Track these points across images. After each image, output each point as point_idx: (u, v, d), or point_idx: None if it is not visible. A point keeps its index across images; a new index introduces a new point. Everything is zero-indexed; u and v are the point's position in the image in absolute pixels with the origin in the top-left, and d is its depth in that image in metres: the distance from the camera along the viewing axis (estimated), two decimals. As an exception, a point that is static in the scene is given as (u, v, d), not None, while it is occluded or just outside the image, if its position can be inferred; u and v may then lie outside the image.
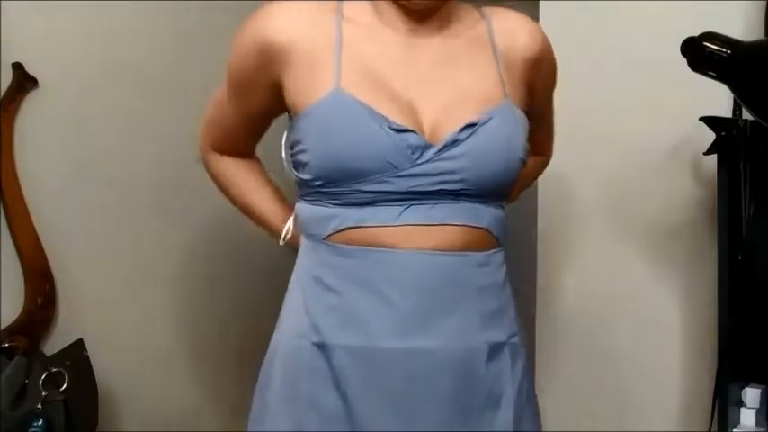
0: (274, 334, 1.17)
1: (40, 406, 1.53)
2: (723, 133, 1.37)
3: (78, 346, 1.66)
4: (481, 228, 1.11)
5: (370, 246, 1.07)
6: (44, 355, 1.63)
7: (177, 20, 1.98)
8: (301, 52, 1.10)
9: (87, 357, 1.66)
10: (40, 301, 1.68)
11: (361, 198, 1.07)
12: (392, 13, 1.13)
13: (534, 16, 1.84)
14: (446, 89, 1.12)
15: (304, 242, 1.15)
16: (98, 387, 1.67)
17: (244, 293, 2.15)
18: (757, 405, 1.40)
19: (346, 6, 1.14)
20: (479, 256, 1.11)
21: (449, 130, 1.08)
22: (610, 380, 1.72)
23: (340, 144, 1.06)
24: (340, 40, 1.10)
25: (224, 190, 1.33)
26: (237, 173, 1.30)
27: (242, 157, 1.30)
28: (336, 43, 1.10)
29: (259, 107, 1.19)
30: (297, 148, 1.09)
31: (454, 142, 1.07)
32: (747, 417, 1.40)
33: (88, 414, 1.64)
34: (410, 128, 1.06)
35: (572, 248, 1.78)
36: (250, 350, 2.16)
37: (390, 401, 1.07)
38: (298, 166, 1.11)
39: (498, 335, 1.13)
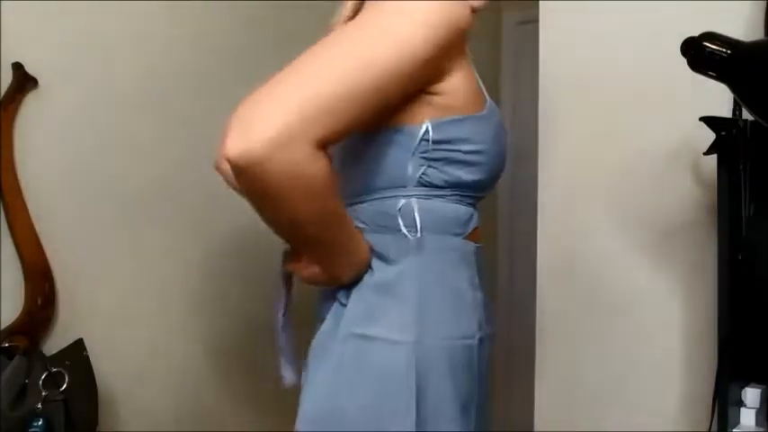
0: (411, 344, 1.07)
1: (40, 406, 1.53)
2: (723, 133, 1.37)
3: (78, 346, 1.66)
4: None
5: (479, 242, 1.19)
6: (44, 355, 1.63)
7: (179, 20, 1.98)
8: (467, 51, 1.15)
9: (87, 357, 1.66)
10: (40, 301, 1.68)
11: (482, 200, 1.20)
12: None
13: (534, 16, 1.84)
14: None
15: (432, 241, 1.12)
16: (98, 387, 1.67)
17: (245, 292, 2.15)
18: (757, 405, 1.40)
19: None
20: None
21: None
22: (609, 380, 1.72)
23: (504, 150, 1.19)
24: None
25: (328, 198, 1.02)
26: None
27: None
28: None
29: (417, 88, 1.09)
30: (465, 148, 1.11)
31: None
32: (747, 417, 1.40)
33: (88, 414, 1.64)
34: None
35: (571, 248, 1.78)
36: (251, 349, 2.17)
37: (482, 382, 1.18)
38: (455, 163, 1.11)
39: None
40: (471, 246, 1.16)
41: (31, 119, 1.69)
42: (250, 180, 0.95)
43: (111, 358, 1.77)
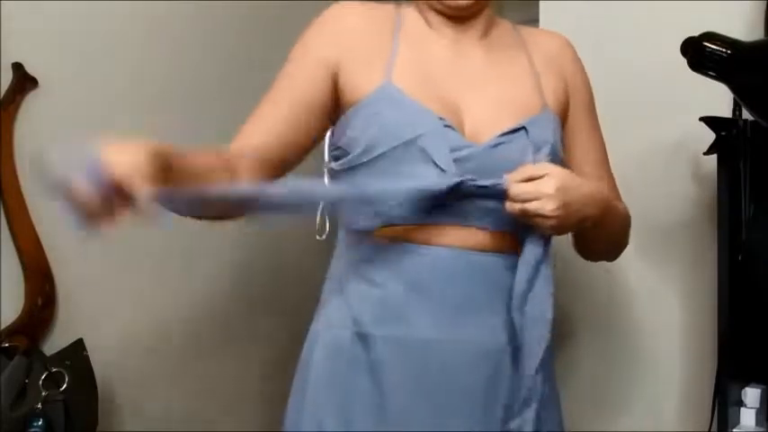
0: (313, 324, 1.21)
1: (39, 406, 1.53)
2: (723, 133, 1.37)
3: (78, 346, 1.66)
4: (507, 231, 1.16)
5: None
6: (44, 355, 1.63)
7: (178, 21, 1.98)
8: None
9: (87, 357, 1.65)
10: (40, 301, 1.67)
11: None
12: (438, 21, 1.22)
13: (534, 16, 1.84)
14: (489, 94, 1.19)
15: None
16: (98, 387, 1.67)
17: (247, 293, 2.15)
18: (757, 405, 1.40)
19: (403, 9, 1.24)
20: (509, 258, 1.16)
21: (491, 133, 1.15)
22: (609, 380, 1.72)
23: None
24: (397, 41, 1.18)
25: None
26: None
27: None
28: (393, 43, 1.18)
29: None
30: None
31: (496, 146, 1.14)
32: (747, 417, 1.40)
33: (88, 414, 1.64)
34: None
35: (572, 249, 1.78)
36: (251, 350, 2.17)
37: (423, 392, 1.11)
38: None
39: None
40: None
41: (31, 119, 1.69)
42: None
43: (111, 358, 1.77)
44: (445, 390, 1.11)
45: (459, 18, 1.21)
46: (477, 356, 1.13)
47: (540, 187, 1.07)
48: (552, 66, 1.27)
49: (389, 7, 1.23)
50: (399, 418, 1.11)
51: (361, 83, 1.15)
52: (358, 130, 1.13)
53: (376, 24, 1.19)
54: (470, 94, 1.17)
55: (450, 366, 1.11)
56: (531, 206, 1.07)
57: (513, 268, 1.14)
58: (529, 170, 1.09)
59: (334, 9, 1.21)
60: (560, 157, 1.19)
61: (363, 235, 1.16)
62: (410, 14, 1.23)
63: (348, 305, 1.16)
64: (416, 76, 1.15)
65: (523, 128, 1.15)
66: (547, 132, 1.17)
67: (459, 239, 1.13)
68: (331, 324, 1.18)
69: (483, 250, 1.14)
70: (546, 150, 1.14)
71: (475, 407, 1.12)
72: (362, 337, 1.13)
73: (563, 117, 1.25)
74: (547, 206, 1.06)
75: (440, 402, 1.11)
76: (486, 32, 1.25)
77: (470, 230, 1.14)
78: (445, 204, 1.10)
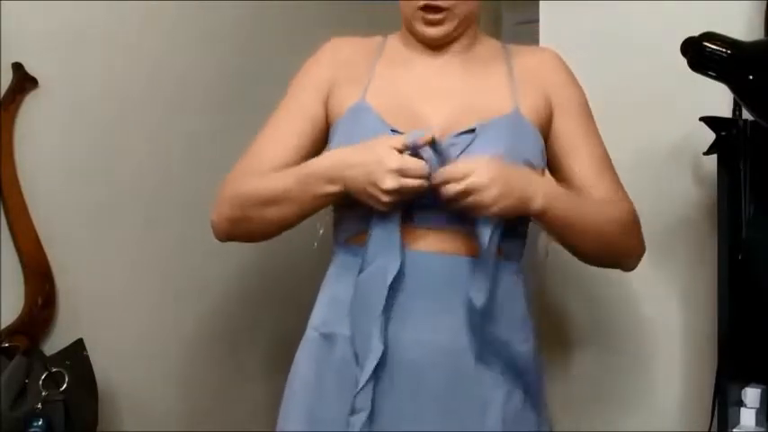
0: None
1: (39, 406, 1.53)
2: (723, 133, 1.37)
3: (78, 346, 1.66)
4: (462, 231, 1.19)
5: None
6: (44, 355, 1.63)
7: (177, 21, 1.98)
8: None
9: (87, 357, 1.66)
10: (40, 301, 1.68)
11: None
12: (418, 45, 1.31)
13: (534, 16, 1.84)
14: (457, 104, 1.25)
15: None
16: (98, 387, 1.67)
17: (244, 292, 2.15)
18: (757, 405, 1.40)
19: (389, 39, 1.36)
20: (467, 258, 1.19)
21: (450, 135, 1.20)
22: (609, 380, 1.72)
23: None
24: (375, 67, 1.30)
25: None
26: None
27: None
28: (372, 69, 1.30)
29: None
30: None
31: (450, 146, 1.18)
32: (747, 417, 1.40)
33: (88, 414, 1.64)
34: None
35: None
36: (249, 350, 2.17)
37: (386, 392, 1.16)
38: None
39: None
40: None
41: (31, 119, 1.69)
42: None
43: (111, 358, 1.77)
44: (408, 389, 1.16)
45: (437, 46, 1.30)
46: (437, 356, 1.17)
47: (473, 182, 1.11)
48: (532, 79, 1.31)
49: (377, 38, 1.36)
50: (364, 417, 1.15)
51: (342, 104, 1.27)
52: (334, 143, 1.27)
53: (361, 54, 1.32)
54: (439, 105, 1.24)
55: (412, 366, 1.16)
56: (468, 202, 1.13)
57: (472, 268, 1.18)
58: (453, 172, 1.13)
59: (330, 42, 1.36)
60: (525, 159, 1.22)
61: (343, 240, 1.26)
62: (393, 42, 1.35)
63: (323, 307, 1.27)
64: (387, 95, 1.25)
65: (474, 129, 1.20)
66: (507, 132, 1.22)
67: (419, 242, 1.19)
68: (310, 326, 1.28)
69: (442, 252, 1.19)
70: (493, 149, 1.17)
71: (429, 405, 1.16)
72: (328, 337, 1.22)
73: (542, 126, 1.29)
74: (485, 196, 1.12)
75: (402, 402, 1.16)
76: (466, 50, 1.32)
77: (427, 233, 1.20)
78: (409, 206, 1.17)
